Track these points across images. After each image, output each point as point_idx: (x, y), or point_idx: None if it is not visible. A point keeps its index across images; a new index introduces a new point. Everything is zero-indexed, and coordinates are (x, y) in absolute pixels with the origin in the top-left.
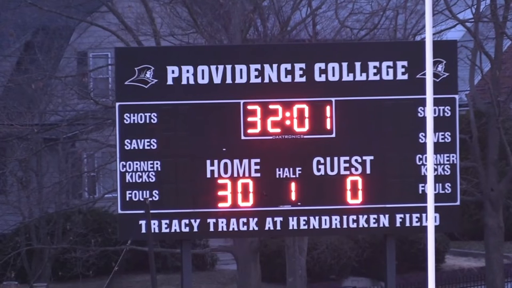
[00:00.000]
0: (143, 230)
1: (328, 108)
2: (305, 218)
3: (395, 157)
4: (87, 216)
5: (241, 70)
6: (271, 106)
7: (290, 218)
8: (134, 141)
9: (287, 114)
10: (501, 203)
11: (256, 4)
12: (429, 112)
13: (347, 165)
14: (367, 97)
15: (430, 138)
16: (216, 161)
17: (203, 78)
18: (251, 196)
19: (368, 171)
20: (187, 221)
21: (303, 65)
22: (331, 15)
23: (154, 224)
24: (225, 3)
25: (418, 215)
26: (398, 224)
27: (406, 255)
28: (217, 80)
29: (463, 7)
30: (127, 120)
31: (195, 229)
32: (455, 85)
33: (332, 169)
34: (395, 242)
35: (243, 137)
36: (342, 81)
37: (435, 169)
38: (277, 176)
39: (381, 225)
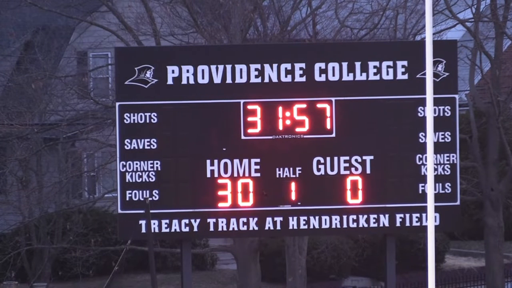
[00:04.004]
0: (143, 230)
1: (328, 108)
2: (305, 218)
3: (395, 157)
4: (87, 216)
5: (241, 70)
6: (271, 106)
7: (290, 218)
8: (134, 141)
9: (287, 114)
10: (501, 203)
11: (256, 4)
12: (429, 112)
13: (347, 165)
14: (367, 97)
15: (430, 138)
16: (216, 161)
17: (203, 78)
18: (251, 196)
19: (368, 171)
20: (187, 221)
21: (303, 65)
22: (331, 15)
23: (154, 224)
24: (225, 3)
25: (418, 215)
26: (398, 224)
27: (406, 255)
28: (217, 80)
29: (463, 7)
30: (127, 120)
31: (195, 229)
32: (455, 85)
33: (332, 169)
34: (395, 242)
35: (243, 137)
36: (342, 81)
37: (435, 169)
38: (277, 176)
39: (381, 225)
